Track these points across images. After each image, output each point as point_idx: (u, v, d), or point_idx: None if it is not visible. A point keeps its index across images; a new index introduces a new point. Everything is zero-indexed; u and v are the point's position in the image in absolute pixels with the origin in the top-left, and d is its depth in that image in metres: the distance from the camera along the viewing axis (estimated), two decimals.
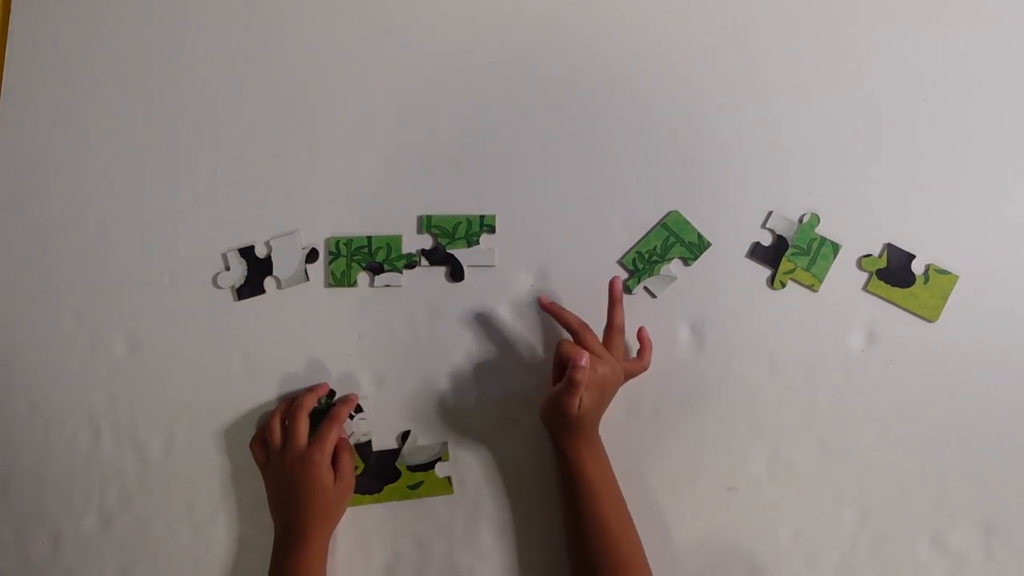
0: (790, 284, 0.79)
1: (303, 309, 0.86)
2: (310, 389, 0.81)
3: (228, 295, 0.87)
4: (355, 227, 0.86)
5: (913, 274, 0.78)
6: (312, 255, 0.86)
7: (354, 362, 0.84)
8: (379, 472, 0.81)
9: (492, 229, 0.83)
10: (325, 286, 0.86)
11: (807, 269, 0.79)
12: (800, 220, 0.80)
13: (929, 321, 0.77)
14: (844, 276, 0.79)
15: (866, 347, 0.77)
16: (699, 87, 0.83)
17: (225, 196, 0.89)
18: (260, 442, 0.80)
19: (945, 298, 0.77)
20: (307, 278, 0.86)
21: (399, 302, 0.84)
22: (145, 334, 0.88)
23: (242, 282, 0.87)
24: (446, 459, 0.81)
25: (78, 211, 0.91)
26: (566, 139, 0.84)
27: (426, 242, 0.84)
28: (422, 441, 0.82)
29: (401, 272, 0.84)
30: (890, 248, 0.78)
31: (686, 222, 0.81)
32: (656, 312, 0.80)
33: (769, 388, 0.78)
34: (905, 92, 0.80)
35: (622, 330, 0.77)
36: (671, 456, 0.78)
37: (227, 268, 0.87)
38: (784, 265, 0.79)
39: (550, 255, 0.83)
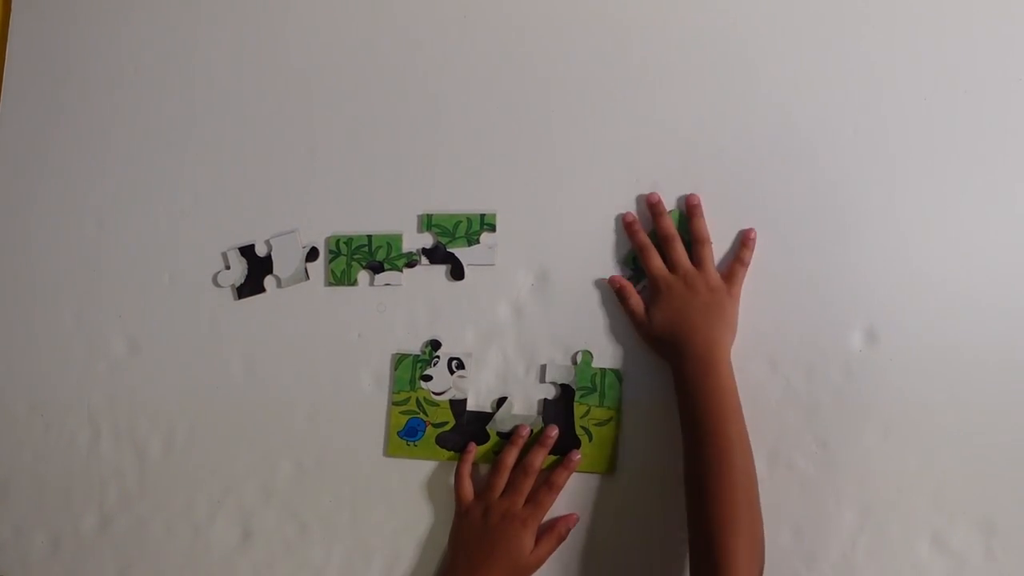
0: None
1: (303, 308, 0.86)
2: (541, 444, 0.78)
3: (228, 294, 0.87)
4: (355, 226, 0.86)
5: None
6: (312, 254, 0.86)
7: (354, 362, 0.84)
8: (468, 431, 0.81)
9: (492, 228, 0.83)
10: (325, 285, 0.86)
11: (600, 405, 0.79)
12: (575, 361, 0.80)
13: None
14: (844, 274, 0.79)
15: (866, 347, 0.77)
16: (699, 87, 0.83)
17: (225, 195, 0.89)
18: (468, 478, 0.79)
19: None
20: (307, 277, 0.86)
21: (399, 301, 0.84)
22: (145, 334, 0.88)
23: (242, 281, 0.87)
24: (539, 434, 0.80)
25: (78, 211, 0.91)
26: (566, 138, 0.84)
27: (426, 241, 0.84)
28: (517, 411, 0.81)
29: (401, 271, 0.84)
30: None
31: (687, 220, 0.81)
32: None
33: (769, 388, 0.78)
34: (905, 92, 0.80)
35: (703, 240, 0.79)
36: (671, 456, 0.78)
37: (227, 267, 0.87)
38: (578, 411, 0.79)
39: (550, 255, 0.83)
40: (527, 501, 0.76)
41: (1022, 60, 0.79)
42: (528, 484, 0.77)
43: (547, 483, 0.77)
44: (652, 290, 0.79)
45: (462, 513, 0.78)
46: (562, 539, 0.77)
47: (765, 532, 0.70)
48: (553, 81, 0.85)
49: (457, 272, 0.84)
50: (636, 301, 0.79)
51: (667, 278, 0.77)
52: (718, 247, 0.80)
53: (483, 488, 0.78)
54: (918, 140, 0.79)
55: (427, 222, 0.84)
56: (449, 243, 0.84)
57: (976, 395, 0.76)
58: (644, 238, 0.80)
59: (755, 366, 0.78)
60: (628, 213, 0.81)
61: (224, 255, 0.87)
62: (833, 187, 0.80)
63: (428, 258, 0.84)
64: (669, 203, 0.81)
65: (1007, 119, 0.79)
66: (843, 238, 0.79)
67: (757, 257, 0.79)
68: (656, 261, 0.79)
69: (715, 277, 0.77)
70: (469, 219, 0.84)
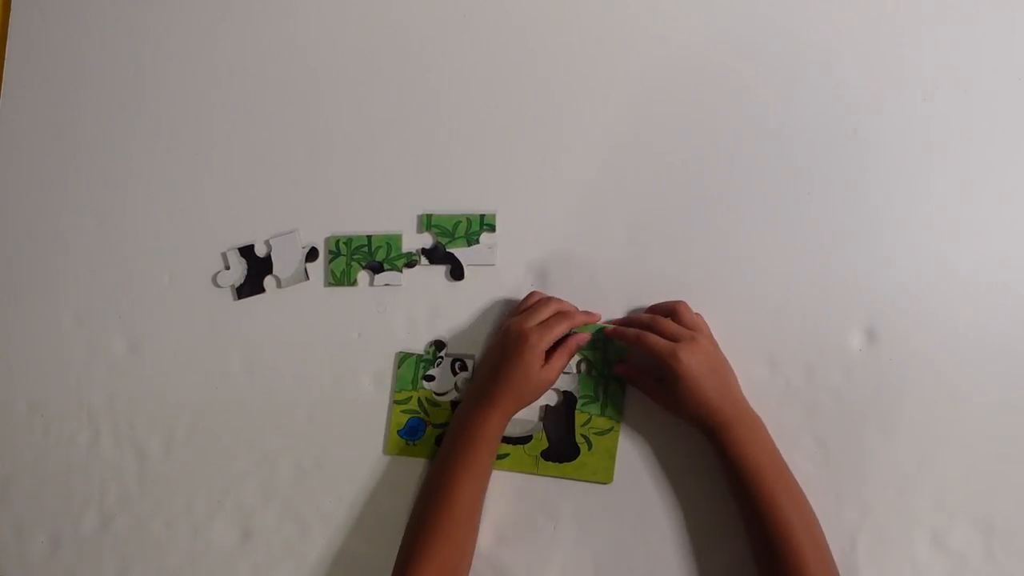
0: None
1: (303, 308, 0.86)
2: (587, 313, 0.79)
3: (228, 294, 0.87)
4: (355, 226, 0.86)
5: None
6: (312, 254, 0.86)
7: (354, 362, 0.84)
8: None
9: (492, 228, 0.83)
10: (325, 285, 0.86)
11: (602, 414, 0.79)
12: (578, 370, 0.80)
13: None
14: (844, 274, 0.79)
15: (866, 347, 0.77)
16: (697, 86, 0.83)
17: (225, 195, 0.89)
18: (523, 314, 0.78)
19: None
20: (307, 277, 0.86)
21: (399, 301, 0.84)
22: (145, 334, 0.88)
23: (242, 281, 0.87)
24: (539, 440, 0.80)
25: (78, 211, 0.91)
26: (565, 138, 0.84)
27: (426, 241, 0.84)
28: (518, 415, 0.79)
29: (401, 271, 0.84)
30: None
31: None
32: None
33: (769, 388, 0.78)
34: (905, 92, 0.80)
35: (666, 312, 0.77)
36: (671, 456, 0.78)
37: (227, 267, 0.87)
38: (579, 419, 0.79)
39: (550, 255, 0.83)
40: (540, 324, 0.76)
41: (1022, 59, 0.79)
42: (547, 310, 0.76)
43: (561, 311, 0.77)
44: (666, 368, 0.73)
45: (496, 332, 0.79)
46: (572, 354, 0.77)
47: None
48: (553, 81, 0.85)
49: (457, 272, 0.84)
50: (649, 383, 0.76)
51: (672, 349, 0.72)
52: (717, 249, 0.80)
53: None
54: (918, 140, 0.79)
55: (427, 222, 0.84)
56: (449, 243, 0.84)
57: (976, 395, 0.76)
58: (631, 331, 0.76)
59: (755, 366, 0.78)
60: (607, 327, 0.77)
61: (224, 255, 0.87)
62: (833, 187, 0.80)
63: (428, 258, 0.84)
64: (669, 202, 0.81)
65: (1007, 119, 0.79)
66: (843, 238, 0.79)
67: (758, 257, 0.80)
68: (653, 339, 0.74)
69: (705, 327, 0.77)
70: (469, 219, 0.84)
